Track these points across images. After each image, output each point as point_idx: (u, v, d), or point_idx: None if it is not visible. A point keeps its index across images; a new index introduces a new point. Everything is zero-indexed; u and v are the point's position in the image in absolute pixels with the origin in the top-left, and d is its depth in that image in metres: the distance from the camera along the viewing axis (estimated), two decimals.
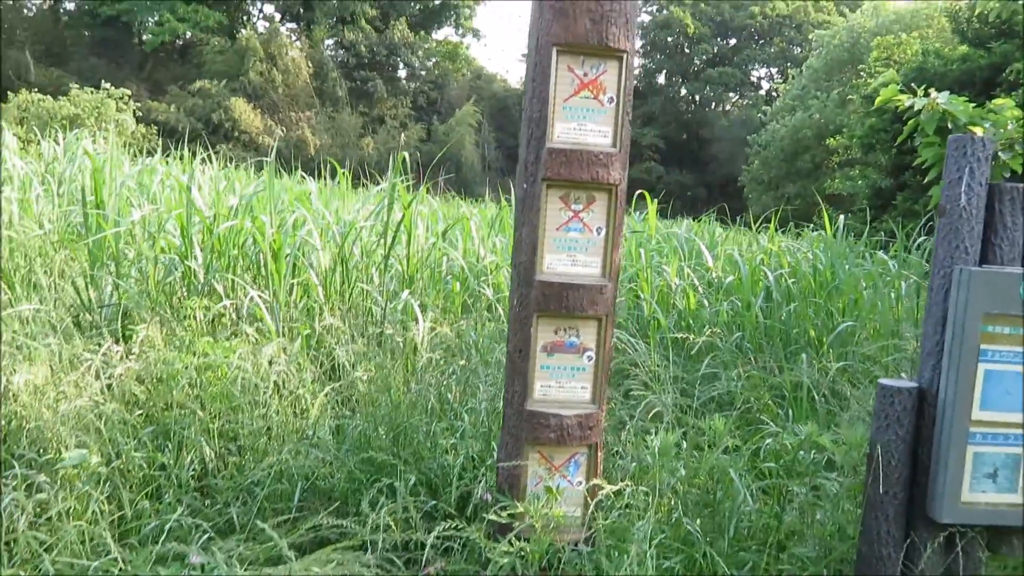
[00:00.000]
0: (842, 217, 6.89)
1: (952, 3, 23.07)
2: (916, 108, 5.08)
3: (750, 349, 5.00)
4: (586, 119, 2.39)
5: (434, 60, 44.19)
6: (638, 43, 41.40)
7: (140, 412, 3.31)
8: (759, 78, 49.81)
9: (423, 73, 43.24)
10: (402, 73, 43.26)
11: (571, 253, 2.43)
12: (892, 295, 5.66)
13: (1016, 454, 2.59)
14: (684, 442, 3.15)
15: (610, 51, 2.35)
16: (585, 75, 2.38)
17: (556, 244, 2.42)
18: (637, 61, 49.80)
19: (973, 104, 5.19)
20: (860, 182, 19.62)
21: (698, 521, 2.64)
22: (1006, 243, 2.60)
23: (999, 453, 2.59)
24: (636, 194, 7.87)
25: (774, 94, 40.10)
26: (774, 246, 6.21)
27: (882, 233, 11.35)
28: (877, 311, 5.38)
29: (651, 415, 3.69)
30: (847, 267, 5.56)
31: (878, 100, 5.36)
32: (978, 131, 4.88)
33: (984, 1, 5.82)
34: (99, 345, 3.69)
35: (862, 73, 24.90)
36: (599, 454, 2.56)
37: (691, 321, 5.28)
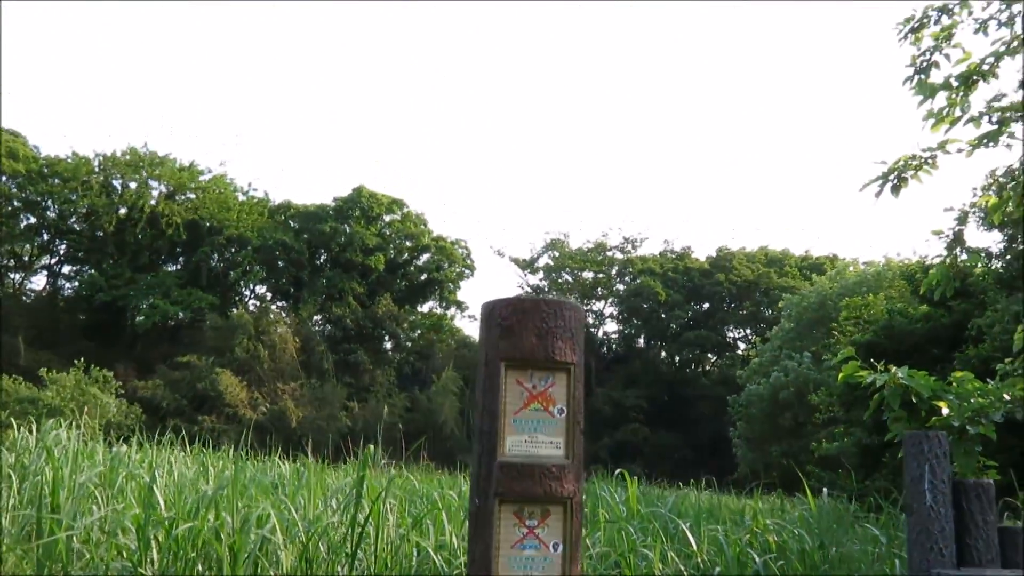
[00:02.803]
0: (825, 490, 6.78)
1: (907, 265, 24.51)
2: (879, 384, 5.19)
3: None
4: (537, 431, 2.39)
5: (419, 332, 45.63)
6: (615, 309, 42.99)
7: None
8: (734, 339, 51.50)
9: (408, 344, 44.43)
10: (387, 344, 44.43)
11: (527, 573, 2.31)
12: (887, 569, 5.40)
13: None
14: None
15: (557, 364, 2.41)
16: (534, 387, 2.41)
17: (512, 563, 2.31)
18: (615, 327, 51.75)
19: (934, 377, 5.31)
20: (846, 440, 19.53)
21: None
22: (981, 543, 2.50)
23: None
24: (617, 472, 7.76)
25: (751, 355, 41.20)
26: (759, 524, 6.00)
27: (872, 496, 11.08)
28: None
29: None
30: (835, 547, 5.34)
31: (840, 377, 5.49)
32: (943, 406, 4.95)
33: (928, 280, 6.18)
34: None
35: (834, 333, 25.78)
36: None
37: None
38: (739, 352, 48.98)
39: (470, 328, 50.00)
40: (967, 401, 4.97)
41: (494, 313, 2.48)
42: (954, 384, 5.20)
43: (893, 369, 5.08)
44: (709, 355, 50.53)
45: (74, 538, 4.75)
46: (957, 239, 5.92)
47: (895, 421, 5.04)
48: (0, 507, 5.90)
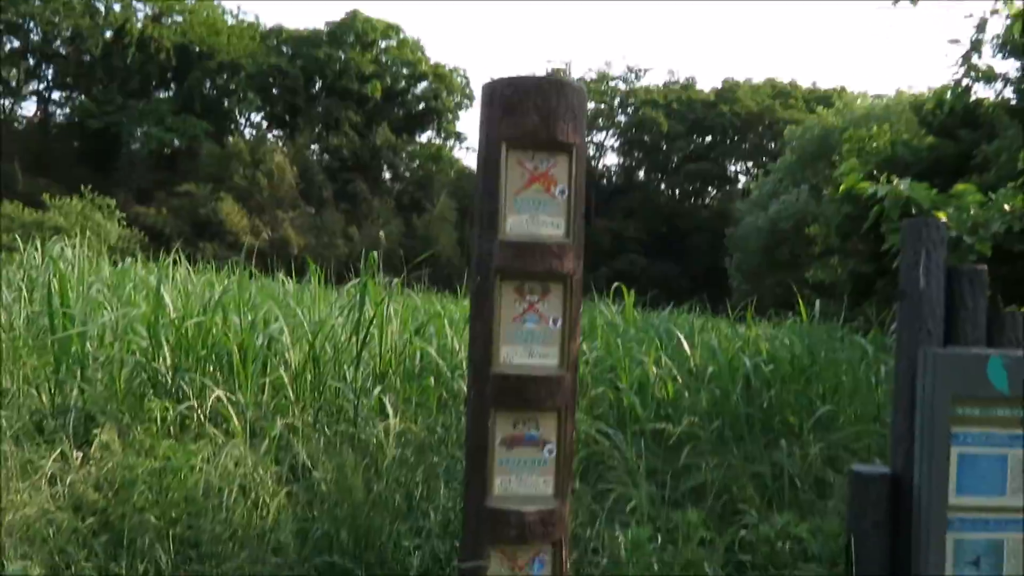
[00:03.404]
0: (818, 302, 6.92)
1: (917, 96, 23.85)
2: (880, 195, 5.18)
3: (731, 438, 4.91)
4: (538, 211, 2.39)
5: (417, 162, 45.14)
6: (616, 141, 42.13)
7: (93, 520, 3.18)
8: (735, 172, 51.07)
9: (407, 174, 44.09)
10: (386, 174, 44.10)
11: (528, 345, 2.39)
12: (872, 378, 5.62)
13: (998, 539, 2.50)
14: (659, 536, 3.04)
15: (559, 145, 2.38)
16: (535, 168, 2.39)
17: (512, 336, 2.39)
18: (615, 159, 51.20)
19: (936, 190, 5.29)
20: (840, 270, 19.81)
21: None
22: (969, 324, 2.58)
23: (980, 539, 2.50)
24: (614, 287, 7.93)
25: (751, 188, 40.98)
26: (752, 333, 6.20)
27: (862, 318, 11.37)
28: (858, 395, 5.33)
29: (629, 509, 3.57)
30: (823, 353, 5.54)
31: (842, 188, 5.47)
32: (941, 216, 4.96)
33: (938, 93, 6.01)
34: (61, 452, 3.59)
35: (835, 164, 25.45)
36: (565, 551, 2.46)
37: (670, 411, 5.20)
38: (740, 186, 48.70)
39: (469, 159, 49.41)
40: (967, 212, 4.97)
41: (495, 92, 2.43)
42: (954, 197, 5.18)
43: (895, 180, 5.05)
44: (709, 188, 50.29)
45: (87, 343, 4.88)
46: (975, 47, 5.70)
47: (893, 232, 5.06)
48: (12, 314, 6.05)
